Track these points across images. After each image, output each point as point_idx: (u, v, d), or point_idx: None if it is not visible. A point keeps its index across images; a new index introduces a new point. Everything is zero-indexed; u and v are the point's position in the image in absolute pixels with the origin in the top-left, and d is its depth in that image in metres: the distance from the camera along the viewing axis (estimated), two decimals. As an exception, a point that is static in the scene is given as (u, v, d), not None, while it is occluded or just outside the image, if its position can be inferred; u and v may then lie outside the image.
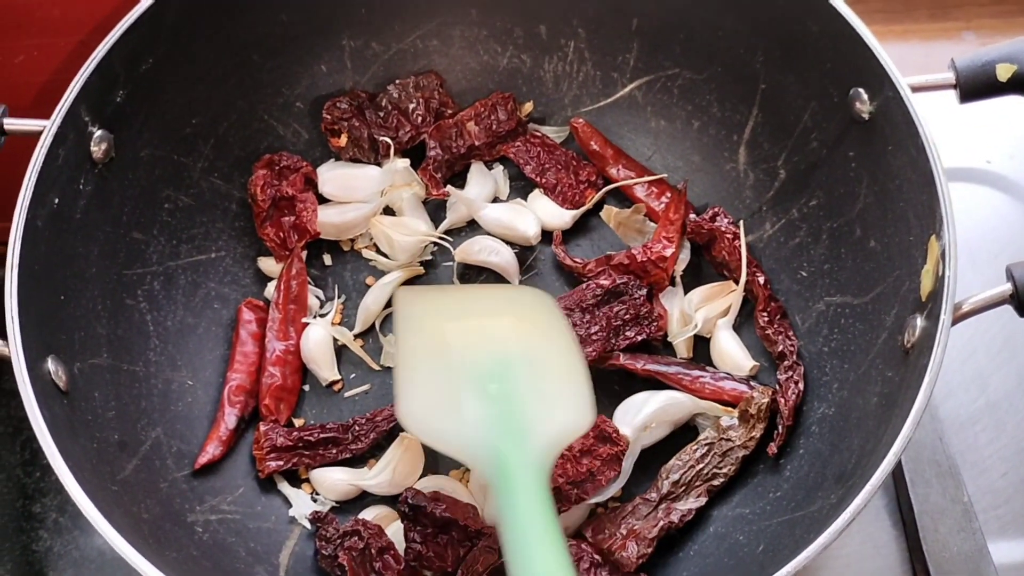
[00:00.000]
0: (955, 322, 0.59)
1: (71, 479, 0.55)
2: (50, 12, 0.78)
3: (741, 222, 0.76)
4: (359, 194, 0.80)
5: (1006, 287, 0.59)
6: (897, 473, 0.74)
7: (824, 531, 0.54)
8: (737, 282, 0.74)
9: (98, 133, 0.69)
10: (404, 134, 0.81)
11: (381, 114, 0.82)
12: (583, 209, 0.80)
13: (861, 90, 0.68)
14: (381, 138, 0.81)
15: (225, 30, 0.76)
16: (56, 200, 0.65)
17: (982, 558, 0.71)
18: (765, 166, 0.78)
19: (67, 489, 0.55)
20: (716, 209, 0.76)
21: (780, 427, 0.68)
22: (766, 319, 0.73)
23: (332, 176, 0.81)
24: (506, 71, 0.84)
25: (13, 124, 0.66)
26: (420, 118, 0.82)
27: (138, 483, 0.65)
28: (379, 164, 0.82)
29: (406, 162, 0.80)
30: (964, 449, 0.76)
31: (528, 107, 0.84)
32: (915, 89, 0.65)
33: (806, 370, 0.71)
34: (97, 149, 0.69)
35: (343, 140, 0.81)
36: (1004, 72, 0.63)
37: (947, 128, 0.71)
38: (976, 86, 0.64)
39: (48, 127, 0.65)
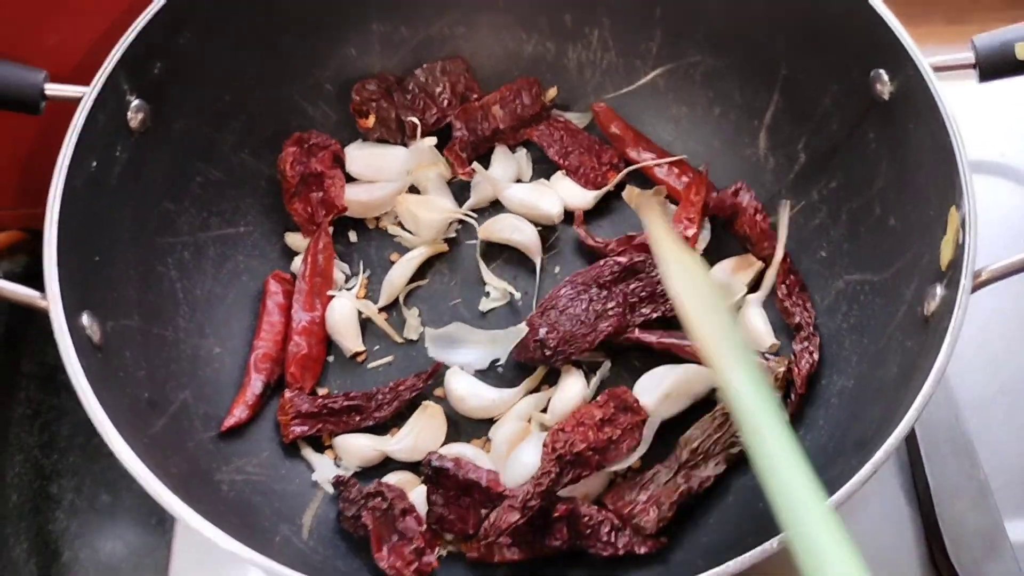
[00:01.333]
0: (975, 289, 0.60)
1: (104, 418, 0.56)
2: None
3: (786, 204, 0.77)
4: (386, 173, 0.82)
5: (1025, 254, 0.60)
6: (913, 451, 0.75)
7: (842, 487, 0.55)
8: (760, 257, 0.75)
9: (135, 103, 0.70)
10: (430, 116, 0.83)
11: (408, 96, 0.83)
12: (605, 189, 0.82)
13: (882, 71, 0.69)
14: (408, 119, 0.82)
15: (260, 10, 0.77)
16: (94, 164, 0.67)
17: (998, 533, 0.71)
18: (785, 150, 0.79)
19: (99, 429, 0.56)
20: (739, 184, 0.77)
21: (793, 395, 0.69)
22: (784, 292, 0.74)
23: (360, 155, 0.83)
24: (531, 58, 0.86)
25: (54, 89, 0.68)
26: (446, 101, 0.83)
27: (167, 440, 0.66)
28: (405, 145, 0.83)
29: (432, 141, 0.82)
30: (980, 430, 0.77)
31: (552, 92, 0.85)
32: (936, 69, 0.66)
33: (824, 343, 0.72)
34: (134, 118, 0.70)
35: (371, 121, 0.82)
36: (1022, 51, 0.65)
37: (961, 122, 0.73)
38: (995, 65, 0.66)
39: (89, 92, 0.66)
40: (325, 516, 0.70)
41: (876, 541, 0.74)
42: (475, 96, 0.85)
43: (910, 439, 0.76)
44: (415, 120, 0.82)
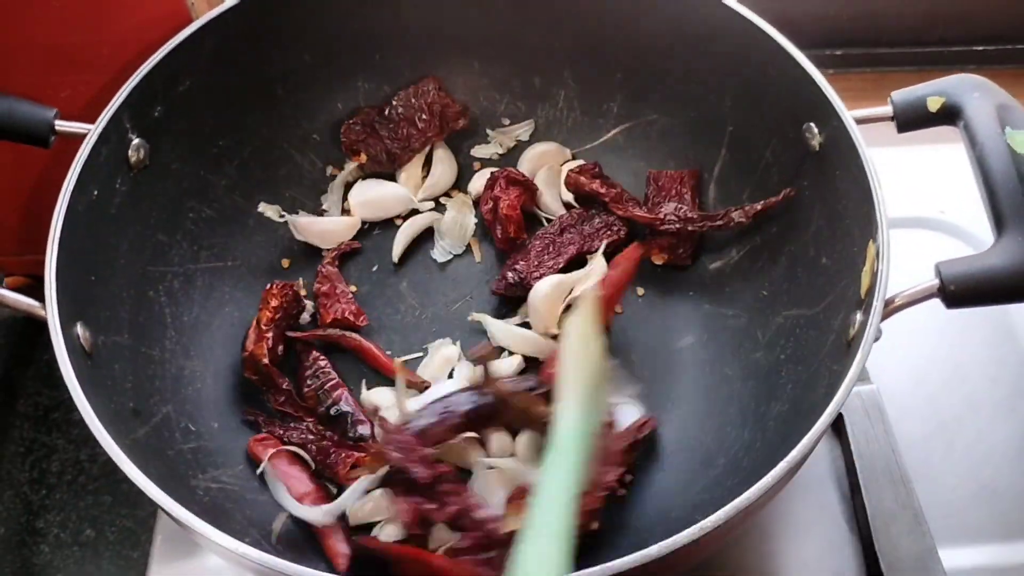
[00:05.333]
0: (889, 314, 0.65)
1: (91, 412, 0.61)
2: (100, 51, 0.87)
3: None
4: (390, 210, 0.90)
5: (934, 281, 0.65)
6: (853, 481, 0.80)
7: (771, 471, 0.60)
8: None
9: (136, 141, 0.77)
10: (415, 142, 0.90)
11: (392, 126, 0.90)
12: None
13: (812, 124, 0.76)
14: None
15: (255, 64, 0.85)
16: (95, 192, 0.73)
17: (931, 559, 0.75)
18: (733, 200, 0.86)
19: (87, 422, 0.61)
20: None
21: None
22: None
23: (363, 201, 0.89)
24: (503, 116, 0.94)
25: (63, 125, 0.74)
26: (426, 124, 0.90)
27: (148, 446, 0.70)
28: (396, 174, 0.91)
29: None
30: (918, 464, 0.81)
31: None
32: (858, 121, 0.73)
33: (764, 375, 0.77)
34: (134, 155, 0.77)
35: (363, 157, 0.89)
36: (934, 104, 0.72)
37: (903, 181, 0.79)
38: (911, 117, 0.72)
39: (94, 128, 0.73)
40: (294, 526, 0.74)
41: (820, 564, 0.78)
42: (452, 111, 0.91)
43: (851, 472, 0.80)
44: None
